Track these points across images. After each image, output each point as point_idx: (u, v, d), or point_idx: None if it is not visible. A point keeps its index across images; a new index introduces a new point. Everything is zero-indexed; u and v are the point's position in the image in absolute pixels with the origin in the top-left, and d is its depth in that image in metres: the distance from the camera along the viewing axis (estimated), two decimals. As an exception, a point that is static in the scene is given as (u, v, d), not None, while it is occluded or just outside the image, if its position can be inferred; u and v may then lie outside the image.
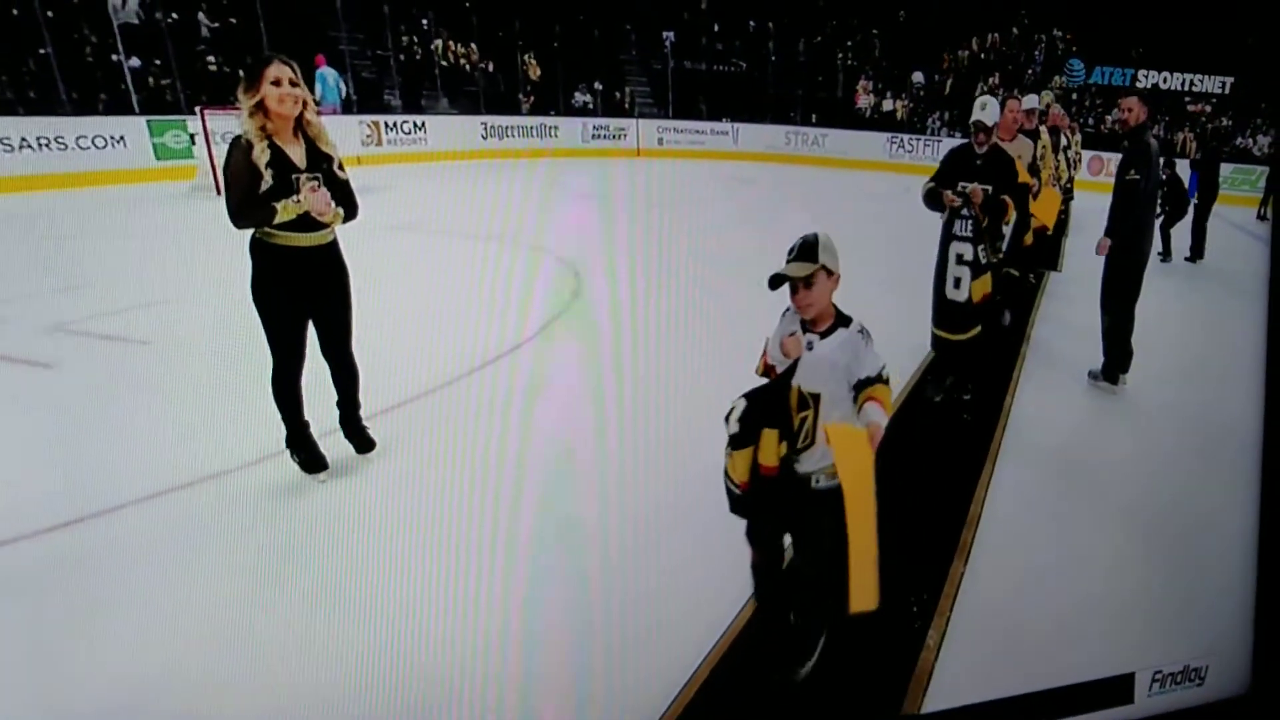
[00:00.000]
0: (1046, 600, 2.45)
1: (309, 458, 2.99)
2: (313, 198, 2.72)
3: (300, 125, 2.75)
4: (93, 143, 9.37)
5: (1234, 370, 4.33)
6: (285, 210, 2.67)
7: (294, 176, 2.69)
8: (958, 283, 3.82)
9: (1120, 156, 4.02)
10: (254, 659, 2.08)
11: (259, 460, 3.05)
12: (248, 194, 2.63)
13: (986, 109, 3.72)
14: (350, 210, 2.91)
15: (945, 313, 3.92)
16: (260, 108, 2.63)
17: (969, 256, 3.79)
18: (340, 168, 2.89)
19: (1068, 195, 6.72)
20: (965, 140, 3.88)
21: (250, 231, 2.75)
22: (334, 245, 2.92)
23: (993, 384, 4.18)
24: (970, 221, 3.77)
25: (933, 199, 3.86)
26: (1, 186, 8.29)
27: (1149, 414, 3.99)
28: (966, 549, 2.70)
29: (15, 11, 10.19)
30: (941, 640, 2.24)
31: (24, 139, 8.83)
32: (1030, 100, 5.34)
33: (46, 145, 8.99)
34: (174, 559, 2.52)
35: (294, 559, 2.53)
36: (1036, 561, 2.67)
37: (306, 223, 2.75)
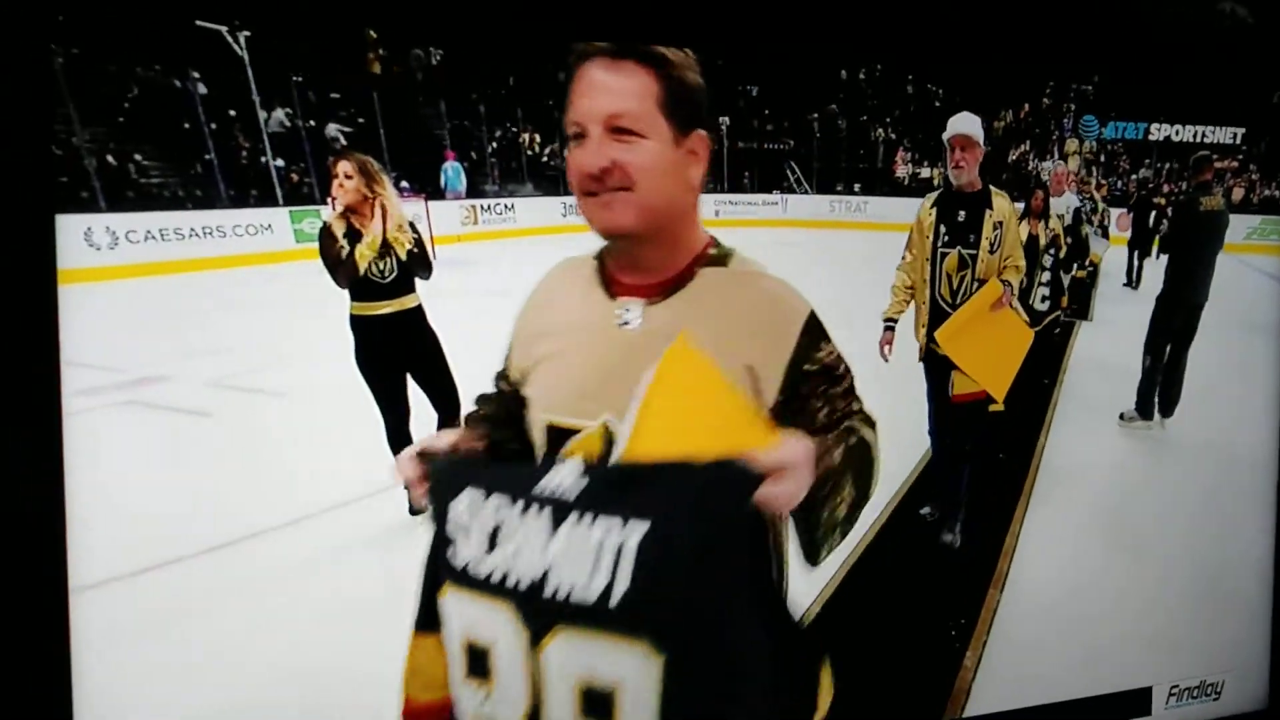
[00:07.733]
0: (1073, 622, 2.58)
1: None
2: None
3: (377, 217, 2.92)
4: (245, 230, 10.78)
5: (1250, 402, 4.33)
6: (361, 255, 2.85)
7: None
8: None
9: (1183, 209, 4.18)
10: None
11: (376, 493, 3.30)
12: (335, 258, 2.86)
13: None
14: (425, 267, 3.06)
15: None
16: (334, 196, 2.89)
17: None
18: (417, 245, 2.99)
19: (1081, 284, 5.30)
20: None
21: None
22: (417, 310, 3.08)
23: (1027, 425, 4.18)
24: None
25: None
26: (174, 268, 9.77)
27: (1170, 447, 4.14)
28: (1002, 578, 2.83)
29: (186, 125, 12.28)
30: (979, 662, 2.36)
31: (192, 229, 10.27)
32: (966, 123, 2.84)
33: (210, 233, 10.44)
34: (311, 577, 2.78)
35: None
36: (1064, 588, 2.78)
37: (385, 291, 2.95)
